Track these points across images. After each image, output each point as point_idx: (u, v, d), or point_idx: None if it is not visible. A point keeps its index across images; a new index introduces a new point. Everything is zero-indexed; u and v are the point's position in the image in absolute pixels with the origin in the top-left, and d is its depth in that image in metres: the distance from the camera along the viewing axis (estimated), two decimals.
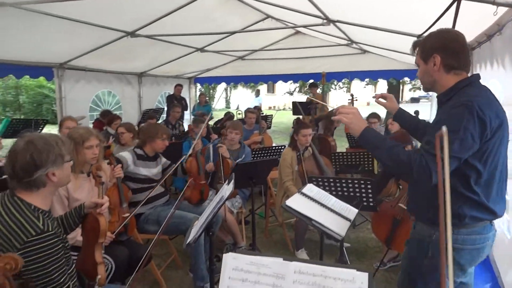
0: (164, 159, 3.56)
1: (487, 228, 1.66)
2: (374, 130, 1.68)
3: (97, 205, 1.94)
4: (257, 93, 18.51)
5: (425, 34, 3.50)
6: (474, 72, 3.71)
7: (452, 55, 1.61)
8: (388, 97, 2.14)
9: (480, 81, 1.70)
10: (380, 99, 2.15)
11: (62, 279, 1.51)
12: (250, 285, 1.28)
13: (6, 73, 5.64)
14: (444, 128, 0.99)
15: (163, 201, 3.39)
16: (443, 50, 1.62)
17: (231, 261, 1.32)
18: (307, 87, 11.90)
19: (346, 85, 22.48)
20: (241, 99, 26.39)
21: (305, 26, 5.82)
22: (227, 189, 2.07)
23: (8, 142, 4.22)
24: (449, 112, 1.54)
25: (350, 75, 7.81)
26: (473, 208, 1.60)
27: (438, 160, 1.15)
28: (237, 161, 3.92)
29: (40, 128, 5.61)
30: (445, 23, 3.01)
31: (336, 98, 25.24)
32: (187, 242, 1.96)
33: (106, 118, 5.64)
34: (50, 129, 10.48)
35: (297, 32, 7.44)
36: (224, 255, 1.33)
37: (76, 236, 2.44)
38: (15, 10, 3.91)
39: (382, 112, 6.58)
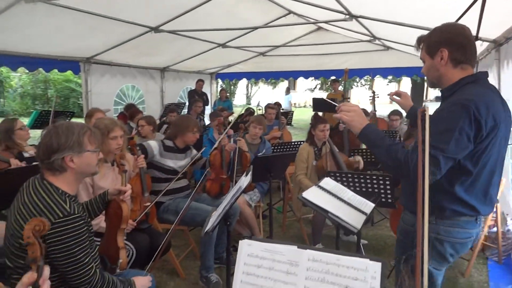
0: (194, 152, 3.59)
1: (471, 224, 1.67)
2: (375, 128, 1.69)
3: (120, 192, 2.02)
4: (287, 91, 18.44)
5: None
6: (502, 69, 3.64)
7: (459, 49, 1.60)
8: (403, 94, 2.15)
9: (488, 79, 1.69)
10: (395, 97, 2.15)
11: (86, 260, 1.58)
12: (264, 271, 1.31)
13: (36, 67, 5.87)
14: (426, 104, 1.02)
15: (185, 194, 3.43)
16: (450, 44, 1.60)
17: (246, 248, 1.36)
18: (329, 84, 11.81)
19: (368, 83, 22.15)
20: (262, 96, 26.46)
21: (326, 22, 5.79)
22: (244, 180, 2.11)
23: (37, 133, 4.40)
24: (448, 109, 1.54)
25: (372, 72, 7.70)
26: (454, 203, 1.61)
27: (419, 151, 1.18)
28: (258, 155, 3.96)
29: (68, 120, 5.81)
30: (471, 17, 2.94)
31: (358, 95, 24.90)
32: (205, 230, 2.02)
33: (128, 113, 5.76)
34: None
35: (319, 28, 7.39)
36: (240, 241, 1.36)
37: (100, 222, 2.54)
38: (45, 5, 4.07)
39: None
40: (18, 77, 18.46)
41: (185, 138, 3.37)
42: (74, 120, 7.08)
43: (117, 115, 6.84)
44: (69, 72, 6.72)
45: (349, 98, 6.61)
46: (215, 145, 3.67)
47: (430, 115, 1.67)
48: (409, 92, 17.60)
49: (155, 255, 2.27)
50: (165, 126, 5.71)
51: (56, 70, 6.19)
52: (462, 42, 1.61)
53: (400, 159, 1.54)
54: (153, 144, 3.29)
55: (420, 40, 1.74)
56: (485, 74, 1.68)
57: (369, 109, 6.40)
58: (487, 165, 1.59)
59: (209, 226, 2.02)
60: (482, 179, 1.61)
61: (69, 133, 1.61)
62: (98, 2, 4.39)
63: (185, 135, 3.35)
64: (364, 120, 1.67)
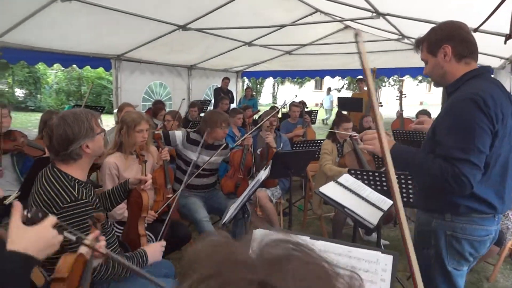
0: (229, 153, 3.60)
1: (489, 221, 1.62)
2: (403, 148, 1.67)
3: (140, 182, 2.09)
4: (328, 91, 18.34)
5: (481, 28, 3.33)
6: None
7: (461, 43, 1.61)
8: (426, 121, 2.15)
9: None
10: (417, 125, 2.15)
11: None
12: None
13: (70, 64, 6.14)
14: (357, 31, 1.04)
15: (201, 192, 3.43)
16: (451, 39, 1.61)
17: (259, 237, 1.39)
18: (356, 83, 11.65)
19: (397, 83, 21.65)
20: (288, 94, 26.44)
21: (353, 20, 5.71)
22: (263, 173, 2.14)
23: None
24: (456, 106, 1.53)
25: (400, 72, 7.52)
26: (469, 199, 1.58)
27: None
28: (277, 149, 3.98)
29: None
30: (502, 15, 2.84)
31: (385, 96, 24.37)
32: (223, 222, 2.07)
33: (151, 110, 5.87)
34: (107, 118, 11.20)
35: (346, 27, 7.30)
36: (254, 230, 1.39)
37: (124, 212, 2.65)
38: (79, 4, 4.25)
39: (436, 110, 6.31)
40: (54, 74, 19.31)
41: (214, 133, 3.32)
42: (104, 116, 7.34)
43: (145, 111, 7.04)
44: (101, 69, 6.99)
45: (381, 103, 6.48)
46: (238, 142, 3.70)
47: (440, 115, 1.65)
48: (440, 92, 17.05)
49: (162, 231, 2.29)
50: (190, 123, 5.82)
51: (89, 67, 6.44)
52: (463, 36, 1.62)
53: (435, 174, 1.52)
54: (177, 134, 3.36)
55: (419, 41, 1.75)
56: (489, 68, 1.68)
57: (396, 109, 6.29)
58: (498, 160, 1.57)
59: (227, 218, 2.07)
60: (494, 175, 1.58)
61: (79, 121, 1.65)
62: (129, 1, 4.54)
63: (214, 131, 3.31)
64: (388, 143, 1.65)
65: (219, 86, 8.91)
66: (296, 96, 4.48)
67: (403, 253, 3.38)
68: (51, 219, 1.13)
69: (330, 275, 0.43)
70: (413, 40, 6.68)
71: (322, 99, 19.30)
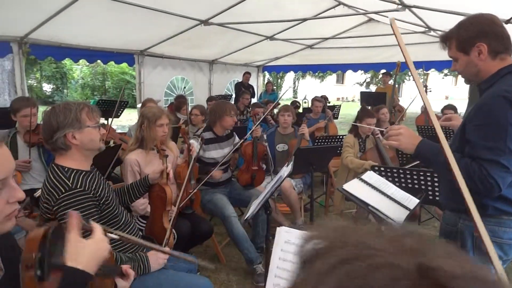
0: (237, 139, 3.61)
1: None
2: (429, 144, 1.61)
3: (162, 174, 2.11)
4: (367, 86, 18.09)
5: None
6: None
7: (497, 39, 1.50)
8: (453, 117, 2.06)
9: None
10: (444, 122, 2.08)
11: None
12: None
13: (95, 59, 6.28)
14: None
15: (221, 188, 3.44)
16: (486, 36, 1.50)
17: (284, 235, 1.39)
18: (379, 77, 11.42)
19: (422, 76, 21.10)
20: (309, 89, 26.21)
21: (376, 12, 5.58)
22: (285, 170, 2.13)
23: None
24: (489, 103, 1.45)
25: (425, 65, 7.31)
26: (498, 201, 1.51)
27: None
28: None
29: (122, 110, 6.13)
30: None
31: (409, 90, 23.78)
32: (245, 218, 2.07)
33: (174, 104, 5.92)
34: (130, 112, 11.39)
35: (370, 20, 7.15)
36: (277, 228, 1.39)
37: (146, 207, 2.69)
38: (104, 1, 4.32)
39: (462, 105, 6.12)
40: (80, 69, 19.82)
41: (223, 122, 3.37)
42: (128, 110, 7.45)
43: (167, 105, 7.13)
44: (124, 65, 7.10)
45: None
46: (246, 136, 3.70)
47: (471, 112, 1.59)
48: (466, 87, 16.53)
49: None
50: None
51: (113, 63, 6.57)
52: (498, 31, 1.51)
53: (461, 174, 1.48)
54: (194, 144, 3.38)
55: (445, 38, 1.62)
56: None
57: (420, 103, 6.13)
58: None
59: (249, 214, 2.07)
60: None
61: (66, 111, 1.64)
62: None
63: (223, 119, 3.35)
64: (414, 139, 1.61)
65: (240, 80, 8.93)
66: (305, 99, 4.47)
67: None
68: (99, 228, 1.10)
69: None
70: (440, 33, 6.50)
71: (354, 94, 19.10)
